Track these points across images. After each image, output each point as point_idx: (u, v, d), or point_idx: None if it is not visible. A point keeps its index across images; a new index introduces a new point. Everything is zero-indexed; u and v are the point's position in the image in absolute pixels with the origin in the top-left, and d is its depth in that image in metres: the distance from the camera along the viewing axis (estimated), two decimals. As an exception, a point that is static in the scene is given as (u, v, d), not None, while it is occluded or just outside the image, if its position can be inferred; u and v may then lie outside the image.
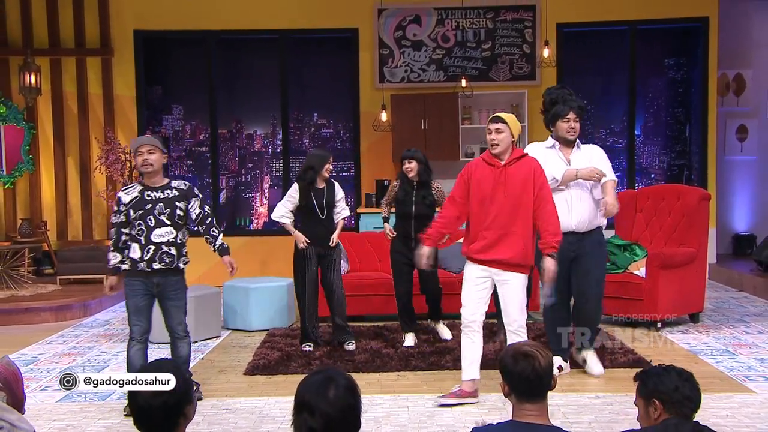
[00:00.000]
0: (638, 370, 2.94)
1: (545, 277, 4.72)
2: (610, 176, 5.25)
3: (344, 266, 7.48)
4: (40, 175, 10.12)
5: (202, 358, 6.20)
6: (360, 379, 2.40)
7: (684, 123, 10.57)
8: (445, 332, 6.47)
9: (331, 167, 6.27)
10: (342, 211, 6.34)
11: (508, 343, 4.73)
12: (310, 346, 6.21)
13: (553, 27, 9.94)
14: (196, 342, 6.68)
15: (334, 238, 6.25)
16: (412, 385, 5.30)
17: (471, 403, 4.78)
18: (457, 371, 5.08)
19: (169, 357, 5.08)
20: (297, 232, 6.17)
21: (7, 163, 10.10)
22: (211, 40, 10.28)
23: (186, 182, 5.09)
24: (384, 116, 9.57)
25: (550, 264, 4.67)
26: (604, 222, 5.34)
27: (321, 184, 6.21)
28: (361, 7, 10.06)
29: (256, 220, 10.63)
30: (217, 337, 6.94)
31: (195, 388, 2.51)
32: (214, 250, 5.21)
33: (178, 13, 10.08)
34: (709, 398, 4.83)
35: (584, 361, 5.42)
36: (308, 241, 6.12)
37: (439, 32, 10.11)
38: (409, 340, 6.31)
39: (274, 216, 6.30)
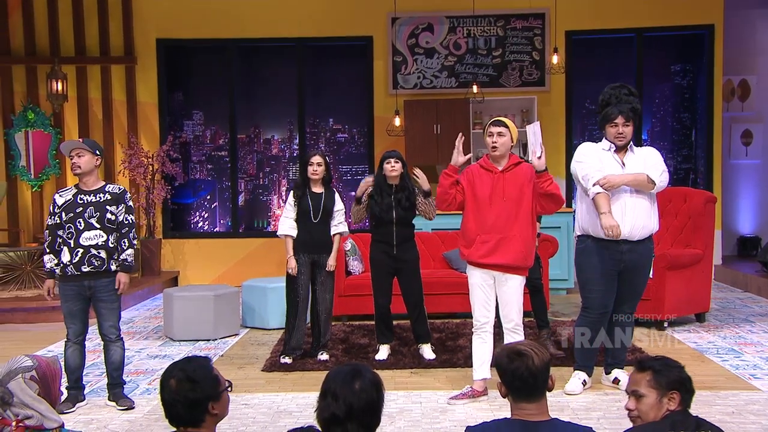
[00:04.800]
0: (637, 360, 2.81)
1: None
2: (652, 174, 4.67)
3: (359, 267, 7.48)
4: (66, 178, 10.16)
5: (222, 355, 6.21)
6: (373, 376, 2.42)
7: (690, 128, 10.50)
8: (428, 353, 5.83)
9: (317, 167, 5.75)
10: (339, 225, 5.87)
11: (506, 341, 4.75)
12: (289, 358, 5.80)
13: (562, 34, 9.91)
14: (216, 340, 6.72)
15: (330, 263, 5.79)
16: (424, 382, 5.28)
17: (482, 401, 4.77)
18: (468, 368, 5.06)
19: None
20: (291, 256, 5.75)
21: (35, 167, 10.17)
22: (230, 48, 10.32)
23: (121, 187, 4.92)
24: (397, 121, 9.57)
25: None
26: (656, 227, 4.82)
27: (318, 189, 5.83)
28: (376, 16, 10.07)
29: (273, 222, 10.63)
30: (236, 335, 6.95)
31: (227, 386, 2.54)
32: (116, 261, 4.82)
33: (199, 23, 10.13)
34: (716, 396, 4.79)
35: (616, 381, 4.94)
36: (295, 269, 5.72)
37: (451, 40, 10.10)
38: (383, 352, 5.85)
39: (280, 232, 5.86)
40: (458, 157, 4.74)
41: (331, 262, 5.84)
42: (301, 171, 5.86)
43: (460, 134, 4.84)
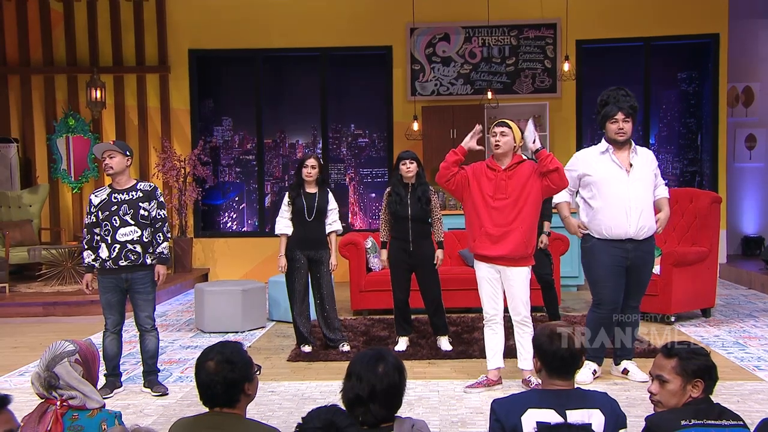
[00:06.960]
0: (665, 345, 2.67)
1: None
2: (664, 192, 4.91)
3: (378, 264, 7.48)
4: (104, 181, 10.26)
5: (250, 346, 6.24)
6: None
7: (696, 132, 10.42)
8: (445, 345, 5.81)
9: (311, 169, 5.73)
10: (333, 223, 5.82)
11: (516, 334, 4.77)
12: (308, 346, 5.85)
13: (573, 43, 9.87)
14: (244, 332, 6.75)
15: (333, 262, 5.79)
16: (442, 371, 5.28)
17: (496, 389, 4.76)
18: (483, 359, 5.05)
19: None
20: (282, 255, 5.76)
21: (75, 170, 10.30)
22: (257, 58, 10.38)
23: (151, 184, 4.95)
24: (415, 126, 9.58)
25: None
26: (657, 227, 4.87)
27: (312, 189, 5.79)
28: (395, 27, 10.09)
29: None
30: (263, 327, 6.99)
31: (257, 369, 2.57)
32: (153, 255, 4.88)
33: (229, 34, 10.20)
34: (721, 386, 4.73)
35: (625, 371, 4.97)
36: (284, 267, 5.73)
37: (467, 49, 10.09)
38: (402, 344, 5.85)
39: (277, 230, 5.80)
40: (471, 141, 4.68)
41: (333, 261, 5.83)
42: (297, 172, 5.85)
43: (478, 125, 4.78)
